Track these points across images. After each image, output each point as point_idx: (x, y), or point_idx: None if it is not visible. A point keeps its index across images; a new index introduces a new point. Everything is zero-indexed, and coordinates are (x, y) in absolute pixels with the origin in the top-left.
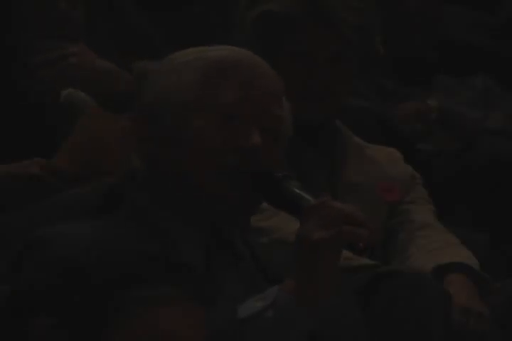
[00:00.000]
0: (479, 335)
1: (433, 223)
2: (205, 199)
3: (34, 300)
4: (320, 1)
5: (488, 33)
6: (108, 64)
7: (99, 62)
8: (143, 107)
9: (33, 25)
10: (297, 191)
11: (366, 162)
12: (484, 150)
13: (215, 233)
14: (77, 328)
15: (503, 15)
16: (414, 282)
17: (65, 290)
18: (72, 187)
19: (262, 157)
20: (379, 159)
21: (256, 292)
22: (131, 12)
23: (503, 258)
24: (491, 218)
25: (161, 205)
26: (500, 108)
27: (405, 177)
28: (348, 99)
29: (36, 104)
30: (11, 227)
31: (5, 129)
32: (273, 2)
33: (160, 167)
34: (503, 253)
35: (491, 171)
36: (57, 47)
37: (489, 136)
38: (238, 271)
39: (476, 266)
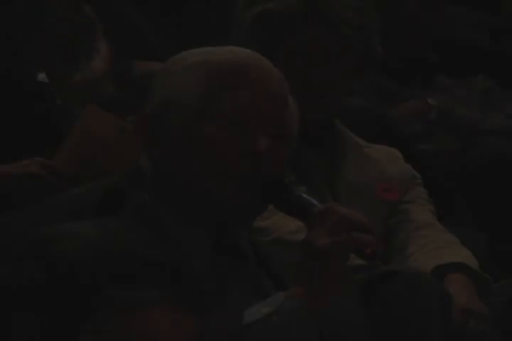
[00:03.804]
0: (479, 335)
1: (432, 223)
2: (209, 201)
3: (23, 296)
4: (320, 1)
5: (489, 33)
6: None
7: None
8: (148, 108)
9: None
10: (304, 196)
11: (366, 162)
12: (484, 150)
13: (220, 233)
14: (57, 325)
15: (505, 16)
16: (414, 282)
17: (56, 289)
18: (72, 187)
19: (269, 161)
20: (379, 159)
21: (260, 292)
22: (131, 12)
23: (503, 258)
24: (491, 218)
25: (164, 206)
26: (500, 108)
27: (405, 177)
28: (347, 99)
29: (36, 104)
30: (11, 227)
31: (5, 129)
32: (273, 2)
33: (163, 167)
34: (503, 253)
35: (490, 171)
36: None
37: (489, 136)
38: (242, 271)
39: (475, 266)
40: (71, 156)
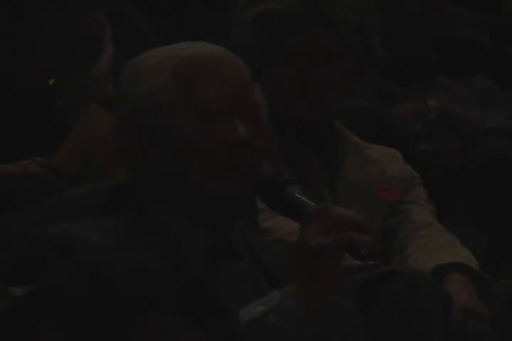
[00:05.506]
0: (479, 335)
1: (432, 223)
2: (203, 194)
3: (52, 302)
4: (320, 1)
5: (489, 33)
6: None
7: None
8: (124, 109)
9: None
10: (298, 196)
11: (366, 162)
12: (484, 150)
13: (218, 233)
14: (84, 334)
15: (505, 16)
16: (414, 282)
17: (87, 298)
18: (72, 187)
19: (252, 147)
20: (378, 159)
21: (258, 292)
22: (131, 12)
23: (503, 258)
24: (491, 218)
25: (162, 205)
26: (500, 108)
27: (405, 177)
28: (347, 99)
29: (36, 104)
30: (11, 227)
31: (5, 129)
32: (273, 2)
33: (148, 167)
34: (503, 253)
35: (490, 171)
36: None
37: (489, 136)
38: (241, 271)
39: (475, 266)
40: (71, 156)
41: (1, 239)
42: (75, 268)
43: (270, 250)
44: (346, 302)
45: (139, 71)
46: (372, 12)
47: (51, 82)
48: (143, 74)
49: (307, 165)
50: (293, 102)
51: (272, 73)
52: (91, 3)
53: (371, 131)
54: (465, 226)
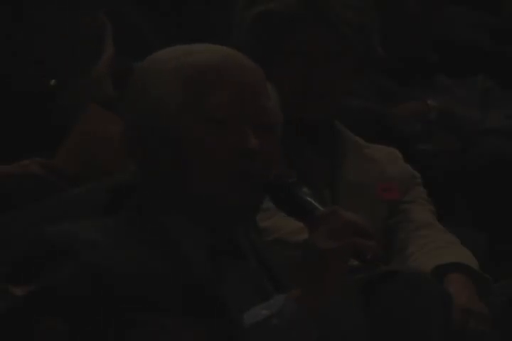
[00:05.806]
0: (479, 335)
1: (432, 222)
2: (208, 201)
3: (52, 302)
4: (320, 1)
5: (489, 33)
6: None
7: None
8: (134, 112)
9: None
10: (307, 198)
11: (366, 162)
12: (484, 150)
13: (219, 233)
14: (84, 334)
15: (505, 16)
16: (414, 282)
17: (87, 298)
18: (72, 187)
19: (261, 155)
20: (379, 159)
21: (261, 292)
22: (131, 12)
23: (503, 258)
24: (490, 218)
25: (163, 206)
26: (500, 108)
27: (405, 177)
28: (347, 99)
29: (36, 104)
30: (11, 227)
31: (5, 129)
32: (273, 2)
33: (153, 169)
34: (503, 253)
35: (490, 171)
36: None
37: (489, 136)
38: (243, 271)
39: (475, 266)
40: (71, 156)
41: (1, 239)
42: (75, 268)
43: (270, 250)
44: (347, 302)
45: (146, 74)
46: (372, 12)
47: (52, 82)
48: (149, 76)
49: (307, 165)
50: (293, 102)
51: (272, 73)
52: (91, 3)
53: (371, 131)
54: (465, 226)
